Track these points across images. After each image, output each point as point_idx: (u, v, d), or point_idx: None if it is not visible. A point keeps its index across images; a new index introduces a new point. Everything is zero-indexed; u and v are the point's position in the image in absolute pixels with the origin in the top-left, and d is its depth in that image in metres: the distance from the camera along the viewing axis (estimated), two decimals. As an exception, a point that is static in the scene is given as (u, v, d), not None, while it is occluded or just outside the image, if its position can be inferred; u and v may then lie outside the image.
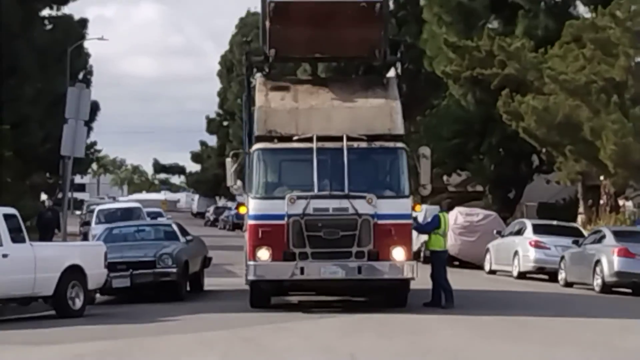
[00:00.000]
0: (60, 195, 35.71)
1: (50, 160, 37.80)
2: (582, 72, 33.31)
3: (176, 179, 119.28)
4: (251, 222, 19.61)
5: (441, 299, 20.78)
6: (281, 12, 21.76)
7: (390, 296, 20.19)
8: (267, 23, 21.87)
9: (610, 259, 26.62)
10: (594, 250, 28.43)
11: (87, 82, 41.40)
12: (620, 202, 38.62)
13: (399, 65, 22.23)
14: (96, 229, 29.64)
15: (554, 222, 36.15)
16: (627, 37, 32.60)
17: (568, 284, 29.70)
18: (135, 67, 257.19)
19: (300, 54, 23.44)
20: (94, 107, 37.11)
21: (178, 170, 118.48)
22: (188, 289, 25.33)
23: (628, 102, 32.24)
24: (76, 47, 48.79)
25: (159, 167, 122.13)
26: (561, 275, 30.48)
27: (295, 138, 19.70)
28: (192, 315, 19.52)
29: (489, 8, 43.52)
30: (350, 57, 24.76)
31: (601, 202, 40.23)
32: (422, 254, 27.19)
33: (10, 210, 19.43)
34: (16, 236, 17.89)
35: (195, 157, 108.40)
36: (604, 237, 29.11)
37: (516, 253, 33.28)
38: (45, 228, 28.20)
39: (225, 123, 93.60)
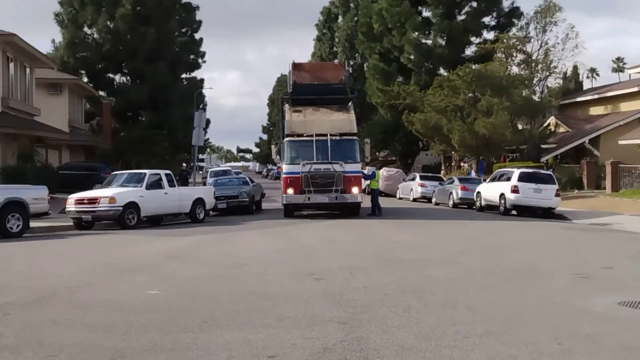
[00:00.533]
0: (191, 164, 46.04)
1: (187, 147, 49.93)
2: (442, 101, 46.80)
3: (248, 156, 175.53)
4: (284, 176, 28.57)
5: (376, 212, 29.91)
6: (296, 68, 31.06)
7: (351, 211, 28.99)
8: (291, 81, 31.27)
9: (457, 191, 37.93)
10: (449, 187, 40.50)
11: (204, 109, 53.08)
12: (462, 164, 53.16)
13: (354, 99, 32.51)
14: (209, 180, 37.85)
15: (429, 174, 49.18)
16: (464, 84, 45.69)
17: (437, 204, 41.17)
18: (227, 101, 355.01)
19: (307, 96, 30.74)
20: (207, 121, 50.82)
21: (249, 151, 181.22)
22: (254, 208, 33.04)
23: (464, 116, 45.68)
24: (198, 92, 59.49)
25: (239, 150, 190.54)
26: (434, 200, 42.24)
27: (304, 135, 28.64)
28: (255, 221, 27.87)
29: (397, 71, 57.47)
30: (333, 100, 30.94)
31: (452, 164, 55.94)
32: (366, 190, 32.44)
33: (168, 171, 27.82)
34: (170, 184, 26.34)
35: (257, 145, 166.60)
36: (453, 181, 41.09)
37: (412, 189, 45.08)
38: (184, 180, 39.52)
39: (271, 128, 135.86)
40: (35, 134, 36.06)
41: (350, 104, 31.00)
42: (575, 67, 59.91)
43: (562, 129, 52.39)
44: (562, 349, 7.92)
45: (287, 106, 31.10)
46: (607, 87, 58.33)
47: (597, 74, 69.64)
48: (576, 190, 41.60)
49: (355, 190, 28.12)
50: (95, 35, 53.45)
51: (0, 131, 31.61)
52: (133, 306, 10.28)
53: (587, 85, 65.21)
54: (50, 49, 52.76)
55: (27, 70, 37.58)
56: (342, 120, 29.42)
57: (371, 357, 7.51)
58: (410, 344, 8.06)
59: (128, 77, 54.68)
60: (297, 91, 30.85)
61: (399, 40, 54.64)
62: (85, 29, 53.50)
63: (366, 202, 30.06)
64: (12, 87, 34.31)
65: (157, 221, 25.84)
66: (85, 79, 52.47)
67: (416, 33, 54.49)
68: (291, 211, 28.65)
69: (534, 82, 48.78)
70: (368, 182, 31.07)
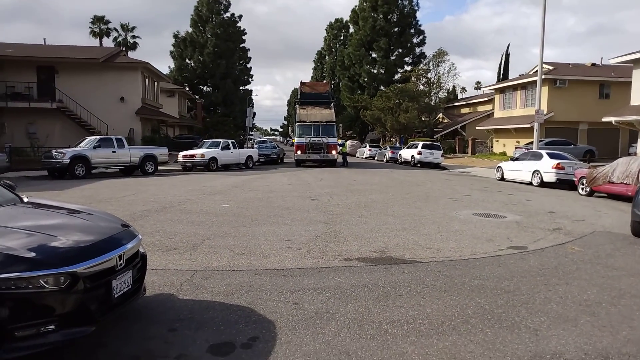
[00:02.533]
0: (245, 137, 43.96)
1: (243, 127, 45.52)
2: (382, 104, 44.29)
3: (276, 133, 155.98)
4: (295, 144, 28.04)
5: (344, 164, 29.43)
6: (302, 85, 30.24)
7: (331, 163, 27.97)
8: (299, 92, 30.32)
9: (388, 154, 36.38)
10: (384, 151, 38.30)
11: (252, 106, 49.07)
12: (391, 139, 49.60)
13: (334, 103, 31.04)
14: (255, 145, 34.03)
15: (374, 144, 46.27)
16: (393, 95, 43.97)
17: (377, 160, 38.02)
18: (265, 102, 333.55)
19: (308, 100, 29.56)
20: (254, 114, 46.16)
21: (277, 130, 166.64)
22: (279, 162, 32.07)
23: (394, 113, 43.36)
24: (249, 97, 57.62)
25: (272, 129, 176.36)
26: (376, 158, 39.37)
27: (307, 122, 27.97)
28: (280, 168, 27.11)
29: (357, 87, 54.47)
30: (321, 98, 29.59)
31: (386, 139, 52.22)
32: (340, 152, 29.71)
33: (232, 140, 27.14)
34: (234, 147, 25.82)
35: (281, 127, 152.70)
36: (386, 148, 39.19)
37: (364, 152, 43.23)
38: (241, 145, 33.83)
39: (289, 118, 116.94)
40: (160, 118, 36.00)
41: (332, 105, 30.19)
42: (454, 86, 59.55)
43: (446, 120, 52.17)
44: (442, 237, 8.05)
45: (297, 106, 30.27)
46: (471, 97, 58.00)
47: (465, 90, 69.16)
48: (452, 154, 41.58)
49: (334, 152, 27.87)
50: (193, 64, 52.73)
51: (141, 116, 31.62)
52: (213, 212, 10.30)
53: (460, 96, 64.75)
54: (168, 71, 51.94)
55: (155, 83, 37.24)
56: (327, 114, 28.89)
57: (341, 240, 7.62)
58: (362, 234, 8.18)
59: (211, 88, 54.00)
60: (303, 97, 30.11)
61: (359, 70, 54.01)
62: (187, 60, 52.76)
63: (340, 159, 29.87)
64: (147, 92, 34.02)
65: (227, 167, 25.41)
66: (187, 89, 51.87)
67: (368, 66, 53.73)
68: (299, 163, 28.16)
69: (431, 94, 48.32)
70: (341, 147, 30.54)
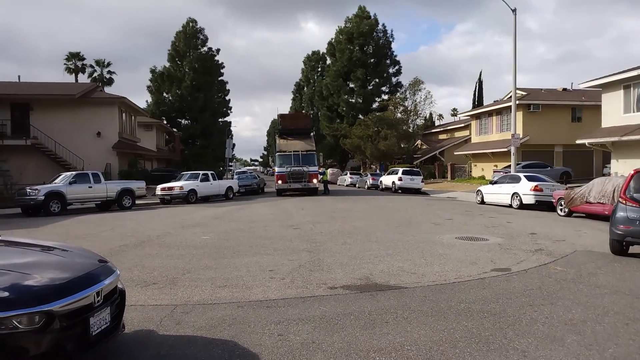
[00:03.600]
0: (225, 168, 44.52)
1: (221, 159, 46.71)
2: (361, 132, 44.72)
3: (256, 163, 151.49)
4: (276, 173, 27.79)
5: (326, 192, 29.32)
6: (282, 118, 29.96)
7: (312, 192, 27.90)
8: (279, 124, 29.92)
9: (369, 181, 36.24)
10: (365, 178, 38.05)
11: (231, 137, 49.53)
12: (372, 166, 49.70)
13: (314, 133, 31.02)
14: (235, 176, 33.49)
15: (355, 171, 46.93)
16: (372, 123, 44.79)
17: (359, 187, 37.77)
18: (244, 133, 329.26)
19: (288, 131, 29.42)
20: (233, 145, 45.34)
21: (257, 160, 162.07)
22: (260, 192, 31.78)
23: (373, 140, 43.81)
24: (228, 129, 56.79)
25: (251, 160, 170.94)
26: (357, 185, 38.77)
27: (287, 152, 27.87)
28: (261, 198, 26.85)
29: (336, 116, 54.38)
30: (302, 130, 29.25)
31: (367, 166, 52.64)
32: (321, 180, 29.11)
33: (212, 172, 26.76)
34: (214, 178, 25.67)
35: (261, 157, 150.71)
36: (367, 175, 39.30)
37: (345, 179, 43.52)
38: (220, 176, 32.26)
39: (268, 148, 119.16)
40: (137, 152, 35.60)
41: (312, 134, 30.27)
42: (431, 114, 60.99)
43: (424, 146, 53.01)
44: (426, 262, 8.04)
45: (277, 136, 30.17)
46: (447, 124, 59.29)
47: (442, 117, 70.69)
48: (432, 179, 42.01)
49: (315, 180, 27.86)
50: (170, 98, 52.77)
51: (118, 151, 31.25)
52: (193, 245, 10.14)
53: (437, 123, 65.95)
54: (145, 105, 51.81)
55: (132, 117, 37.03)
56: (307, 143, 28.90)
57: (325, 268, 7.55)
58: (346, 261, 8.12)
59: (189, 121, 53.90)
60: (283, 131, 29.81)
61: (337, 99, 54.65)
62: (165, 94, 52.82)
63: (321, 187, 29.75)
64: (124, 126, 33.72)
65: (207, 199, 25.28)
66: (165, 122, 51.74)
67: (346, 96, 54.45)
68: (280, 193, 27.97)
69: (409, 121, 49.20)
70: (322, 176, 30.27)
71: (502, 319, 4.99)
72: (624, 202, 8.32)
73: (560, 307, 5.41)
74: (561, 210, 15.92)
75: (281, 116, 29.99)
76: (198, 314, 5.28)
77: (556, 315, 5.11)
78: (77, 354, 3.37)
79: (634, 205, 8.10)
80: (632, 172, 8.58)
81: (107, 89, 46.99)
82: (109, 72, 52.00)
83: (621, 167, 22.08)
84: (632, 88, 22.44)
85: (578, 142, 25.28)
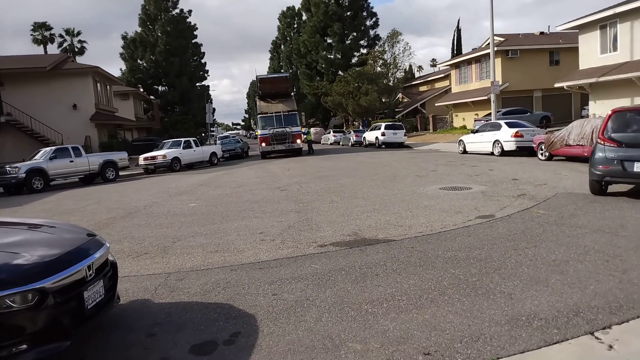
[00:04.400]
0: (207, 134, 44.12)
1: (202, 125, 46.71)
2: (342, 89, 43.97)
3: (238, 127, 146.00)
4: (259, 136, 27.55)
5: (310, 152, 29.19)
6: (262, 82, 28.63)
7: (297, 152, 27.90)
8: (259, 88, 28.87)
9: (353, 137, 36.38)
10: (348, 135, 38.15)
11: (211, 102, 48.11)
12: (354, 123, 49.76)
13: (294, 94, 30.77)
14: (218, 141, 33.32)
15: (338, 129, 46.99)
16: (352, 79, 44.03)
17: (342, 145, 37.77)
18: (224, 97, 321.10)
19: (268, 94, 28.61)
20: (214, 109, 44.22)
21: (238, 124, 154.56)
22: (244, 155, 31.70)
23: (354, 96, 43.33)
24: (207, 93, 55.88)
25: (233, 124, 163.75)
26: (340, 143, 38.69)
27: (268, 113, 27.45)
28: (245, 162, 26.72)
29: (316, 74, 53.46)
30: (283, 93, 28.63)
31: (349, 123, 52.37)
32: (305, 140, 28.93)
33: (194, 138, 26.55)
34: (196, 145, 25.45)
35: (243, 120, 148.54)
36: (350, 132, 39.06)
37: (329, 138, 43.69)
38: (201, 143, 32.04)
39: (249, 111, 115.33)
40: (116, 123, 34.98)
41: (293, 95, 29.78)
42: (410, 66, 60.18)
43: (406, 100, 52.78)
44: (412, 214, 8.16)
45: (257, 99, 29.60)
46: (427, 75, 58.91)
47: (422, 68, 70.15)
48: (414, 132, 42.10)
49: (298, 141, 27.72)
50: (145, 64, 51.27)
51: (96, 122, 30.72)
52: (181, 213, 10.12)
53: (417, 75, 65.49)
54: (120, 74, 50.40)
55: (107, 87, 36.07)
56: (288, 104, 28.42)
57: (314, 227, 7.62)
58: (334, 219, 8.20)
59: (166, 87, 52.65)
60: (263, 95, 29.10)
61: (315, 56, 53.66)
62: (139, 61, 51.26)
63: (305, 147, 29.60)
64: (100, 97, 32.91)
65: (191, 166, 25.14)
66: (142, 90, 50.54)
67: (324, 52, 53.46)
68: (265, 155, 27.87)
69: (389, 75, 48.72)
70: (305, 136, 29.93)
71: (488, 264, 5.13)
72: (602, 142, 8.44)
73: (544, 249, 5.57)
74: (542, 154, 16.14)
75: (260, 80, 29.15)
76: (192, 280, 5.33)
77: (540, 257, 5.27)
78: (74, 328, 3.39)
79: (612, 145, 8.23)
80: (610, 112, 8.67)
81: (79, 59, 45.51)
82: (80, 41, 50.34)
83: (599, 109, 22.33)
84: (608, 28, 22.38)
85: (556, 85, 25.39)
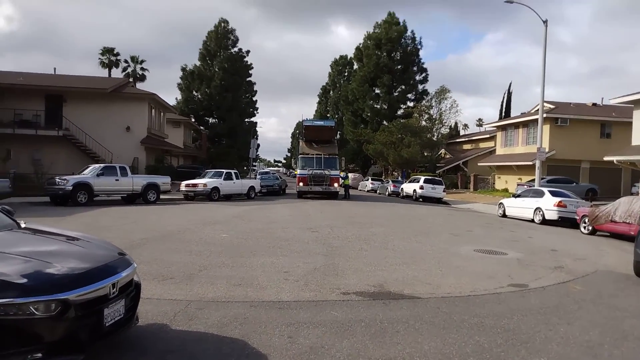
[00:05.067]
0: (249, 167, 44.53)
1: (246, 158, 47.31)
2: (384, 138, 43.98)
3: (279, 164, 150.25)
4: (298, 176, 27.74)
5: (346, 196, 28.87)
6: (307, 129, 28.48)
7: (333, 196, 27.51)
8: (303, 131, 28.95)
9: (390, 187, 35.92)
10: (386, 185, 36.77)
11: (256, 137, 50.12)
12: (394, 173, 49.25)
13: (338, 140, 30.94)
14: (258, 176, 33.01)
15: (376, 178, 47.39)
16: (396, 130, 44.27)
17: (380, 194, 36.92)
18: (269, 134, 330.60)
19: (313, 140, 28.56)
20: (258, 145, 44.06)
21: (280, 161, 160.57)
22: (281, 193, 31.48)
23: (396, 147, 43.20)
24: (254, 129, 58.09)
25: (275, 161, 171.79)
26: (378, 191, 37.47)
27: (309, 154, 27.67)
28: (281, 199, 26.81)
29: (360, 122, 54.23)
30: (326, 140, 28.37)
31: (389, 173, 51.55)
32: (342, 185, 29.85)
33: (235, 170, 26.80)
34: (237, 177, 25.73)
35: (285, 158, 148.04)
36: (389, 182, 38.42)
37: (366, 185, 42.81)
38: (242, 176, 31.32)
39: (292, 150, 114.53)
40: (164, 148, 36.23)
41: (335, 140, 29.70)
42: (456, 123, 60.14)
43: (448, 156, 52.47)
44: (442, 273, 7.94)
45: (301, 140, 29.93)
46: (473, 134, 58.61)
47: (467, 127, 69.72)
48: (454, 189, 41.49)
49: (336, 184, 27.58)
50: (199, 96, 53.48)
51: (146, 146, 31.83)
52: (212, 242, 10.22)
53: (462, 132, 65.22)
54: (175, 102, 52.68)
55: (161, 113, 37.65)
56: (330, 147, 28.51)
57: (340, 273, 7.51)
58: (361, 267, 8.08)
59: (216, 120, 54.55)
60: (307, 140, 29.11)
61: (362, 105, 54.58)
62: (194, 92, 53.56)
63: (342, 192, 29.52)
64: (152, 122, 34.26)
65: (229, 197, 25.28)
66: (193, 120, 52.55)
67: (371, 101, 54.32)
68: (301, 195, 27.94)
69: (434, 130, 48.78)
70: (343, 180, 30.05)
71: (515, 335, 4.88)
72: (650, 223, 8.05)
73: (577, 327, 5.27)
74: (585, 227, 15.51)
75: (305, 127, 28.91)
76: (211, 311, 5.32)
77: (572, 335, 4.97)
78: (90, 343, 3.43)
79: (661, 227, 7.83)
80: (660, 193, 8.31)
81: (139, 85, 47.87)
82: (142, 68, 53.00)
83: (650, 187, 21.40)
84: (665, 106, 21.76)
85: (606, 158, 24.62)
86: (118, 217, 14.78)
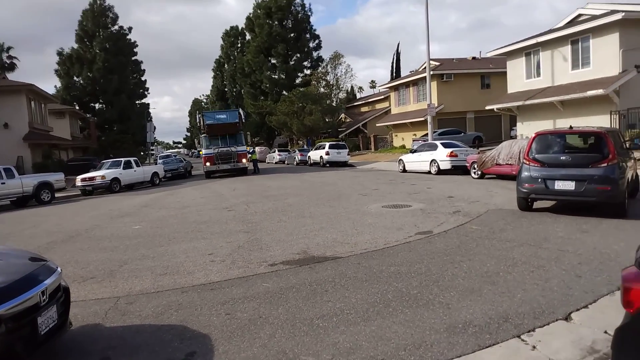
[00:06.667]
0: (147, 153, 42.40)
1: (142, 143, 44.24)
2: (286, 109, 44.45)
3: (180, 145, 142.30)
4: (204, 155, 26.92)
5: (256, 171, 28.76)
6: (210, 127, 26.33)
7: (242, 172, 27.08)
8: (205, 126, 26.57)
9: (298, 156, 36.24)
10: (293, 154, 37.32)
11: (151, 120, 47.12)
12: (299, 142, 49.41)
13: (243, 126, 28.44)
14: (159, 161, 31.71)
15: (282, 148, 46.70)
16: (296, 99, 44.61)
17: (287, 164, 37.05)
18: (164, 114, 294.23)
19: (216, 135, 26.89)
20: (154, 127, 39.73)
21: (180, 142, 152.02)
22: (187, 175, 30.71)
23: (298, 116, 43.84)
24: (147, 111, 54.03)
25: (174, 142, 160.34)
26: (286, 162, 37.63)
27: (212, 134, 26.66)
28: (189, 182, 26.16)
29: (260, 93, 54.13)
30: (232, 133, 26.76)
31: (294, 142, 52.06)
32: (250, 159, 29.19)
33: (135, 158, 25.78)
34: (137, 165, 24.53)
35: (184, 138, 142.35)
36: (295, 151, 38.63)
37: (273, 157, 42.63)
38: (141, 162, 30.20)
39: (191, 129, 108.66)
40: (51, 142, 33.38)
41: (240, 124, 27.71)
42: (352, 87, 61.75)
43: (348, 120, 54.05)
44: (357, 231, 8.50)
45: (199, 116, 28.77)
46: (369, 96, 60.54)
47: (362, 89, 71.82)
48: (356, 152, 43.05)
49: (244, 160, 27.41)
50: (81, 81, 49.47)
51: (30, 142, 29.23)
52: (126, 235, 9.93)
53: (358, 95, 67.28)
54: (54, 91, 48.24)
55: (42, 105, 34.45)
56: (233, 124, 27.07)
57: (264, 247, 7.77)
58: (283, 238, 8.38)
59: (104, 105, 51.03)
60: (210, 135, 27.32)
61: (259, 76, 54.04)
62: (75, 77, 49.41)
63: (251, 167, 29.38)
64: (34, 116, 31.40)
65: (131, 187, 24.25)
66: (78, 107, 48.63)
67: (268, 72, 53.97)
68: (209, 175, 27.39)
69: (332, 96, 49.88)
70: (251, 155, 29.87)
71: (427, 277, 5.51)
72: (527, 162, 9.23)
73: (477, 261, 6.05)
74: (474, 173, 17.14)
75: (209, 126, 26.66)
76: (142, 303, 5.33)
77: (474, 269, 5.72)
78: (28, 354, 3.39)
79: (536, 165, 9.02)
80: (534, 135, 9.50)
81: (10, 76, 43.04)
82: (10, 56, 47.56)
83: (526, 129, 24.02)
84: (532, 55, 24.27)
85: (487, 107, 27.07)
86: (14, 224, 13.66)
